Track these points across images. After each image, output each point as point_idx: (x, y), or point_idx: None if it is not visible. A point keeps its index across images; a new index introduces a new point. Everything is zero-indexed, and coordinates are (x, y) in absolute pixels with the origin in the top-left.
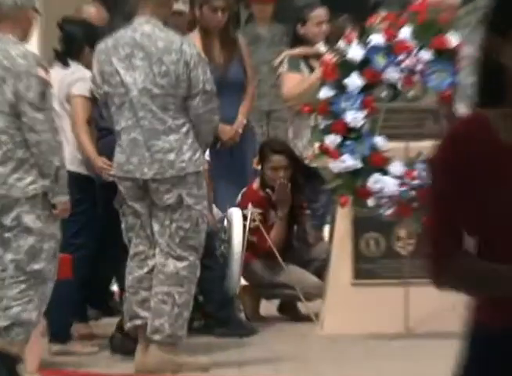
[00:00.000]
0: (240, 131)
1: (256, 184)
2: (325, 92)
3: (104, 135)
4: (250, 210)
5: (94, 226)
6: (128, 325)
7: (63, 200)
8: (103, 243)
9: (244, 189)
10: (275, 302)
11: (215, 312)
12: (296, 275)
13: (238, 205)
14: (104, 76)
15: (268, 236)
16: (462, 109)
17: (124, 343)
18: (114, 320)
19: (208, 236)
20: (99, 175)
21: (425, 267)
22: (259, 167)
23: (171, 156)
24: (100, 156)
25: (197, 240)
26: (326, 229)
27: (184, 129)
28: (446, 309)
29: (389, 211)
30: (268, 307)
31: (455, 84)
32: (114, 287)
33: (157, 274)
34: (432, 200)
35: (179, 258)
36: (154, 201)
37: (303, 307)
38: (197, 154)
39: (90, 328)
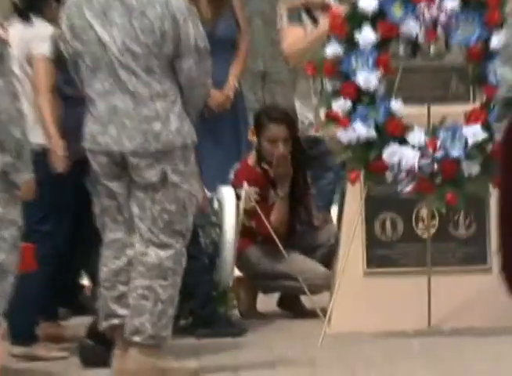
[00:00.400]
0: (232, 96)
1: (251, 159)
2: (332, 49)
3: (69, 106)
4: (246, 189)
5: (63, 211)
6: (103, 325)
7: (26, 178)
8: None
9: (238, 165)
10: (275, 296)
11: (198, 310)
12: (299, 264)
13: (231, 184)
14: (75, 31)
15: (267, 219)
16: (508, 74)
17: (97, 352)
18: (85, 320)
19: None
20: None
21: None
22: (255, 139)
23: (157, 126)
24: (66, 131)
25: (184, 225)
26: (334, 210)
27: (171, 95)
28: (476, 302)
29: (408, 188)
30: (267, 302)
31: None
32: (85, 281)
33: (137, 265)
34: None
35: (163, 246)
36: (133, 179)
37: (307, 301)
38: (185, 125)
39: (59, 328)
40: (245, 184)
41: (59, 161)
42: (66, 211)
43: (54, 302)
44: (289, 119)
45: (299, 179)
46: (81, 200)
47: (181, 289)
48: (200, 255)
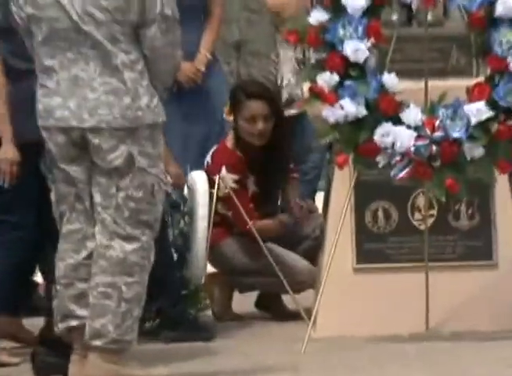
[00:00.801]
0: (203, 69)
1: (230, 141)
2: (316, 16)
3: (19, 80)
4: (223, 174)
5: (26, 199)
6: (59, 327)
7: None
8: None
9: (215, 148)
10: (253, 295)
11: (167, 310)
12: (280, 258)
13: (206, 169)
14: None
15: (246, 209)
16: None
17: (51, 360)
18: (39, 322)
19: None
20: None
21: None
22: (231, 118)
23: (125, 100)
24: (17, 109)
25: (152, 215)
26: (319, 197)
27: (139, 66)
28: (479, 302)
29: (403, 173)
30: (244, 301)
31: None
32: (38, 278)
33: (98, 260)
34: None
35: (128, 239)
36: (95, 163)
37: (289, 301)
38: (154, 101)
39: (18, 326)
40: (223, 169)
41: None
42: (31, 199)
43: (16, 296)
44: (269, 94)
45: (280, 163)
46: (42, 186)
47: (149, 287)
48: (168, 248)
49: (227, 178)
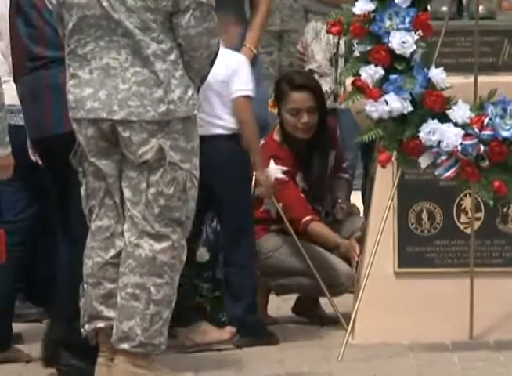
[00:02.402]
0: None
1: (277, 134)
2: (361, 5)
3: (36, 68)
4: (272, 167)
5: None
6: (86, 328)
7: (2, 154)
8: None
9: (262, 142)
10: (290, 299)
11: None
12: (319, 258)
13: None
14: None
15: (298, 201)
16: None
17: (75, 364)
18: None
19: None
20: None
21: None
22: (275, 110)
23: (159, 92)
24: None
25: (184, 212)
26: (356, 197)
27: (172, 57)
28: None
29: (449, 173)
30: (280, 305)
31: None
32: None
33: (126, 259)
34: None
35: (158, 237)
36: (126, 156)
37: (327, 305)
38: (189, 92)
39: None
40: (271, 162)
41: None
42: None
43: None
44: (314, 85)
45: (327, 158)
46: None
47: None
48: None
49: (275, 170)
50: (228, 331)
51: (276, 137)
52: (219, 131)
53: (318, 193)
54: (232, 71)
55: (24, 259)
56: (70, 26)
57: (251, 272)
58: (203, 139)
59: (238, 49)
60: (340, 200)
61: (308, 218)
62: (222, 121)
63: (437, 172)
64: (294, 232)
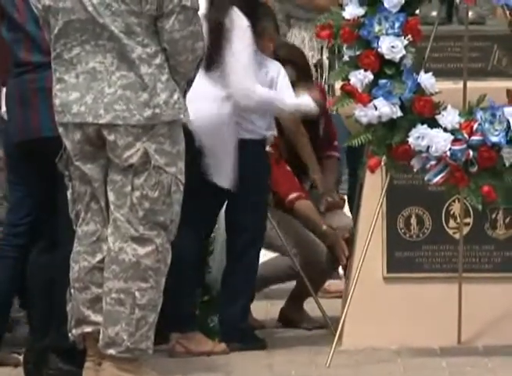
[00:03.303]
0: None
1: None
2: (351, 10)
3: (22, 73)
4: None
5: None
6: (73, 333)
7: None
8: None
9: None
10: (279, 303)
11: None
12: (301, 234)
13: None
14: None
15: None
16: None
17: (63, 368)
18: None
19: None
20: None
21: None
22: None
23: (144, 96)
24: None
25: (168, 216)
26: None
27: (157, 60)
28: None
29: (438, 178)
30: (269, 308)
31: None
32: None
33: (110, 264)
34: None
35: (141, 241)
36: (111, 160)
37: (316, 310)
38: (175, 96)
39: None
40: None
41: None
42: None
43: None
44: (299, 59)
45: (314, 134)
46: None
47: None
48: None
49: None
50: (221, 347)
51: None
52: (248, 135)
53: (302, 167)
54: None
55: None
56: (56, 30)
57: (251, 279)
58: None
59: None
60: (323, 191)
61: (294, 195)
62: (253, 126)
63: (426, 178)
64: (281, 208)
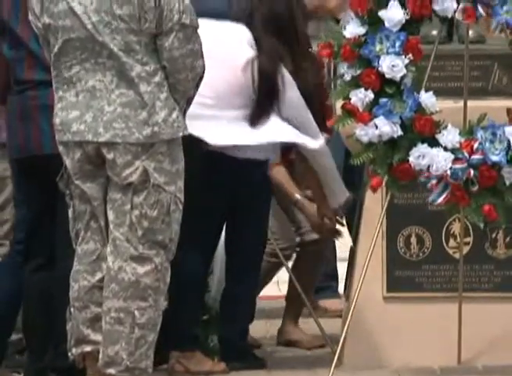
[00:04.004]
0: None
1: None
2: (352, 29)
3: (23, 91)
4: None
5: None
6: (73, 352)
7: None
8: None
9: None
10: (274, 322)
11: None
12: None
13: None
14: (43, 3)
15: None
16: None
17: None
18: None
19: None
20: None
21: None
22: None
23: (143, 114)
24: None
25: (167, 235)
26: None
27: (157, 79)
28: None
29: (441, 199)
30: (268, 328)
31: None
32: None
33: (109, 283)
34: None
35: (141, 260)
36: (110, 178)
37: (313, 328)
38: (174, 114)
39: None
40: None
41: None
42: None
43: None
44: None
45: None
46: None
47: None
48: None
49: None
50: (221, 367)
51: None
52: (254, 155)
53: None
54: None
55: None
56: (56, 49)
57: (251, 300)
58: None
59: None
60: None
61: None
62: (260, 146)
63: (430, 199)
64: None
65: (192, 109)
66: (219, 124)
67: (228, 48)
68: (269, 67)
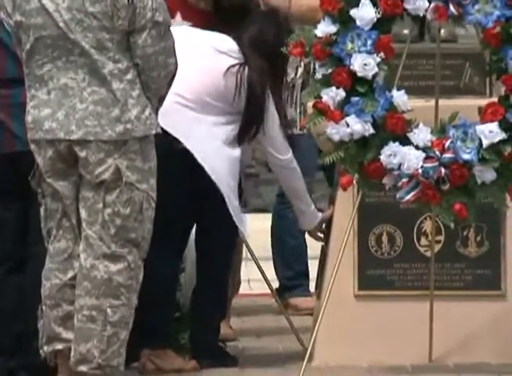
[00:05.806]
0: None
1: None
2: (323, 27)
3: None
4: None
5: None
6: (44, 350)
7: None
8: None
9: None
10: (251, 320)
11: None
12: None
13: None
14: (15, 0)
15: None
16: None
17: None
18: None
19: None
20: None
21: None
22: None
23: (116, 111)
24: None
25: (140, 233)
26: None
27: (129, 76)
28: (486, 333)
29: (409, 196)
30: (240, 325)
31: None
32: None
33: (82, 281)
34: None
35: (113, 258)
36: (83, 176)
37: (283, 325)
38: (146, 112)
39: None
40: None
41: None
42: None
43: None
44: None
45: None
46: None
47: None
48: None
49: None
50: (192, 364)
51: None
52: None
53: None
54: None
55: None
56: (28, 47)
57: (222, 297)
58: None
59: None
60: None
61: None
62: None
63: (398, 195)
64: None
65: (175, 108)
66: (200, 130)
67: (210, 54)
68: (259, 82)
